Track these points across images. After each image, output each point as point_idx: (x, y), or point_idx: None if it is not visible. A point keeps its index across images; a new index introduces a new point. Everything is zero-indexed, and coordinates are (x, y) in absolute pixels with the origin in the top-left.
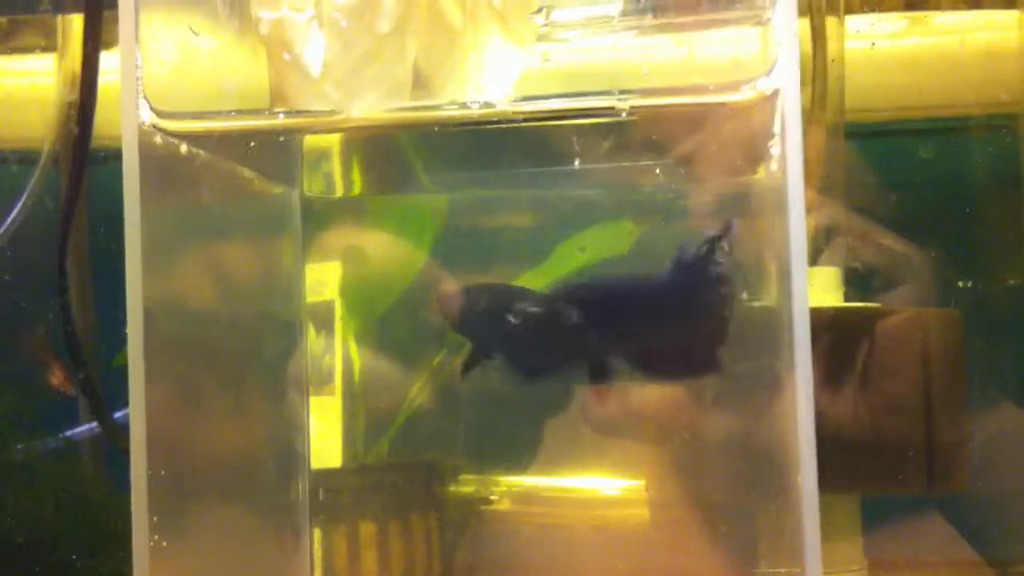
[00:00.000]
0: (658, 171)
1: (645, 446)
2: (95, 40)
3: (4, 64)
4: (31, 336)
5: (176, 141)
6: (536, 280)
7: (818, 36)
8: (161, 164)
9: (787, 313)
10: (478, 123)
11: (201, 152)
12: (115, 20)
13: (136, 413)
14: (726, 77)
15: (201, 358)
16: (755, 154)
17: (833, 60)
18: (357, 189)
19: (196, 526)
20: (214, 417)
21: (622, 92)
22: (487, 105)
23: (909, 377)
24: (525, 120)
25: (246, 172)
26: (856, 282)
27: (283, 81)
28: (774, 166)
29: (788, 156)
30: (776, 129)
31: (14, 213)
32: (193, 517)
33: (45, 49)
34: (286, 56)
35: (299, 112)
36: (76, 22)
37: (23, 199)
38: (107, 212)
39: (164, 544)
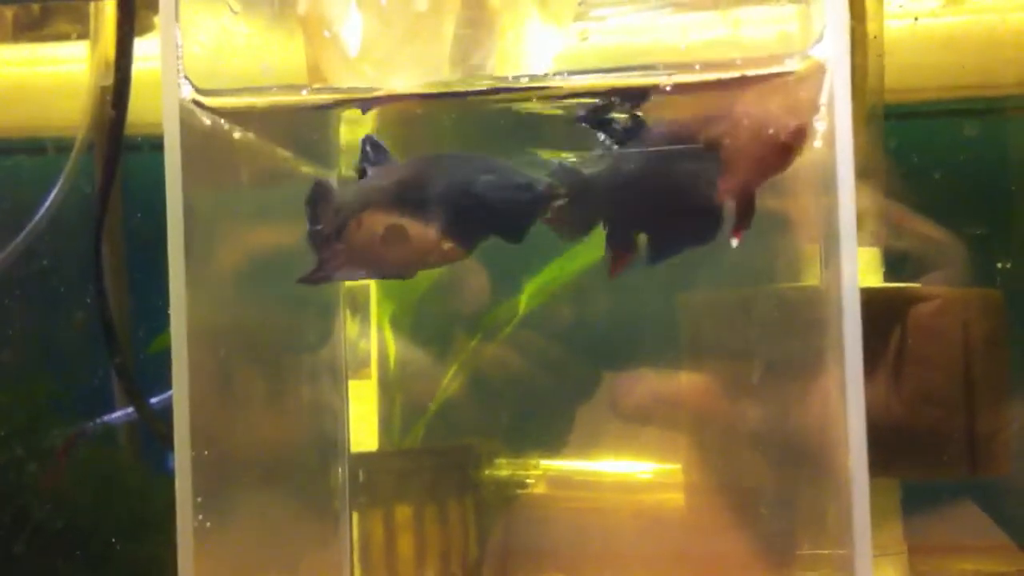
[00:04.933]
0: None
1: (679, 434)
2: (129, 21)
3: (38, 52)
4: (68, 322)
5: (215, 118)
6: (569, 265)
7: (857, 12)
8: (200, 144)
9: (835, 294)
10: (516, 99)
11: (239, 131)
12: (146, 6)
13: (179, 392)
14: (767, 53)
15: (240, 340)
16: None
17: (875, 36)
18: None
19: (239, 507)
20: (254, 399)
21: (667, 67)
22: (528, 79)
23: (949, 359)
24: (566, 96)
25: (284, 153)
26: (892, 265)
27: (321, 61)
28: (818, 142)
29: (837, 130)
30: (823, 101)
31: (50, 200)
32: (236, 498)
33: (79, 37)
34: (325, 34)
35: (339, 88)
36: (108, 7)
37: (58, 186)
38: (141, 201)
39: (208, 524)
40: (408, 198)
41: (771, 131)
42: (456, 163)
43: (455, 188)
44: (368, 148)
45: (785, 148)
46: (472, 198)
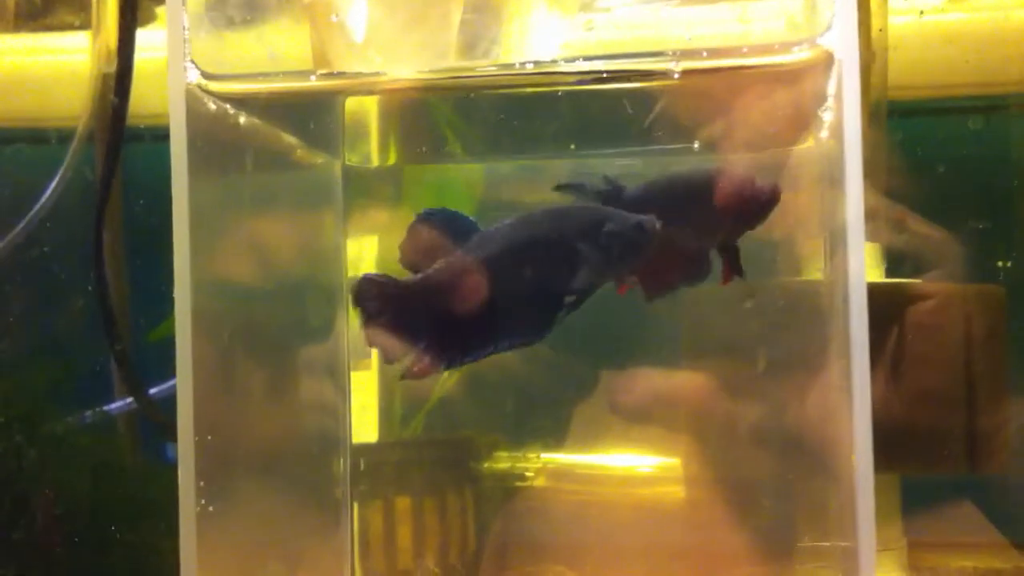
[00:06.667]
0: (699, 143)
1: (678, 432)
2: (132, 10)
3: (40, 41)
4: (68, 309)
5: (221, 103)
6: None
7: (862, 7)
8: (205, 129)
9: (840, 288)
10: (522, 85)
11: (245, 116)
12: None
13: (183, 378)
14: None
15: (243, 330)
16: (805, 122)
17: (880, 30)
18: (393, 159)
19: (240, 494)
20: (255, 388)
21: (674, 53)
22: (535, 64)
23: (949, 355)
24: (572, 83)
25: (290, 140)
26: (890, 263)
27: (326, 47)
28: (825, 133)
29: (846, 119)
30: (831, 91)
31: (51, 188)
32: (237, 485)
33: (81, 26)
34: (332, 18)
35: (344, 73)
36: None
37: (59, 174)
38: (142, 190)
39: (210, 509)
40: (526, 262)
41: (740, 199)
42: (557, 220)
43: (578, 243)
44: (438, 221)
45: (755, 212)
46: (602, 249)
